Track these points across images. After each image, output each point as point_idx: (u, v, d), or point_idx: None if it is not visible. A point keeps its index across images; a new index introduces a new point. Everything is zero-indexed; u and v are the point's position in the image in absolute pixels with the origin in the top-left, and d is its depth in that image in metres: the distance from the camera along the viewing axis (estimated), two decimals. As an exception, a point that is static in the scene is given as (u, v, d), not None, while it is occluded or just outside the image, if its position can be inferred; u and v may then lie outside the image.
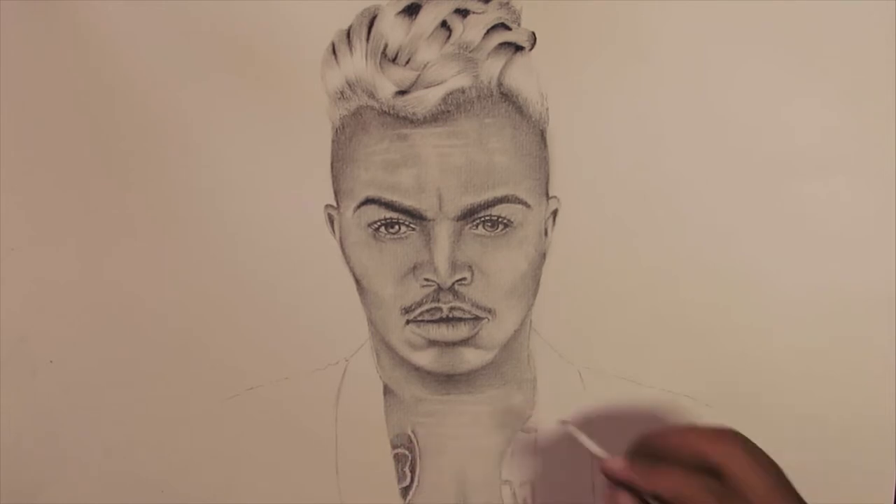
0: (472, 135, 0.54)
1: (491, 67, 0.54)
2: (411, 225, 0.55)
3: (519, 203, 0.55)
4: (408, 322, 0.56)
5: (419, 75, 0.53)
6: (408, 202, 0.54)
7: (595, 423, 0.57)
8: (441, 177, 0.54)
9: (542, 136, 0.55)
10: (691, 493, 0.43)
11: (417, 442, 0.58)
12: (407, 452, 0.58)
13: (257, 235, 0.57)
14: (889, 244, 0.55)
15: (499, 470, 0.58)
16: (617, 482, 0.46)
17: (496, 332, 0.56)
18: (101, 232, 0.57)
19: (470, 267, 0.55)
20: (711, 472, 0.44)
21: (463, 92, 0.54)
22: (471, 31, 0.53)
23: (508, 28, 0.54)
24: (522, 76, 0.54)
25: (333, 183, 0.56)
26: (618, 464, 0.46)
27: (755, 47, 0.54)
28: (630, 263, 0.56)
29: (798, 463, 0.56)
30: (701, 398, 0.57)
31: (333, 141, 0.55)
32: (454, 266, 0.55)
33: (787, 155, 0.55)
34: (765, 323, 0.56)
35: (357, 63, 0.54)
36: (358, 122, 0.55)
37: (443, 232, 0.54)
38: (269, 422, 0.58)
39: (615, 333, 0.57)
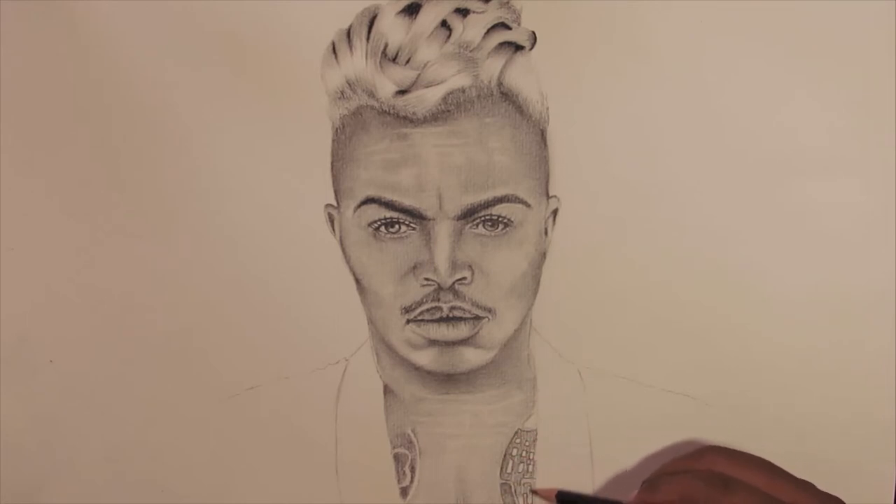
0: (472, 134, 0.54)
1: (491, 67, 0.54)
2: (411, 224, 0.55)
3: (519, 202, 0.55)
4: (408, 321, 0.56)
5: (419, 75, 0.53)
6: (408, 202, 0.54)
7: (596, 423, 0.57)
8: (441, 176, 0.54)
9: (543, 135, 0.55)
10: (694, 489, 0.47)
11: (417, 441, 0.58)
12: (407, 452, 0.58)
13: (257, 235, 0.57)
14: (889, 244, 0.55)
15: (498, 469, 0.58)
16: None
17: (496, 331, 0.56)
18: (101, 232, 0.57)
19: (470, 266, 0.55)
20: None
21: (463, 91, 0.54)
22: (471, 30, 0.53)
23: (508, 27, 0.54)
24: (522, 76, 0.54)
25: (333, 182, 0.56)
26: (630, 498, 0.51)
27: (756, 47, 0.54)
28: (630, 263, 0.56)
29: (798, 462, 0.57)
30: (701, 398, 0.57)
31: (333, 140, 0.55)
32: (454, 265, 0.55)
33: (788, 155, 0.55)
34: (765, 323, 0.56)
35: (357, 62, 0.54)
36: (358, 122, 0.55)
37: (443, 231, 0.54)
38: (269, 422, 0.58)
39: (615, 333, 0.57)
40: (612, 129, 0.55)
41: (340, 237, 0.56)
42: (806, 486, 0.49)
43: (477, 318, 0.56)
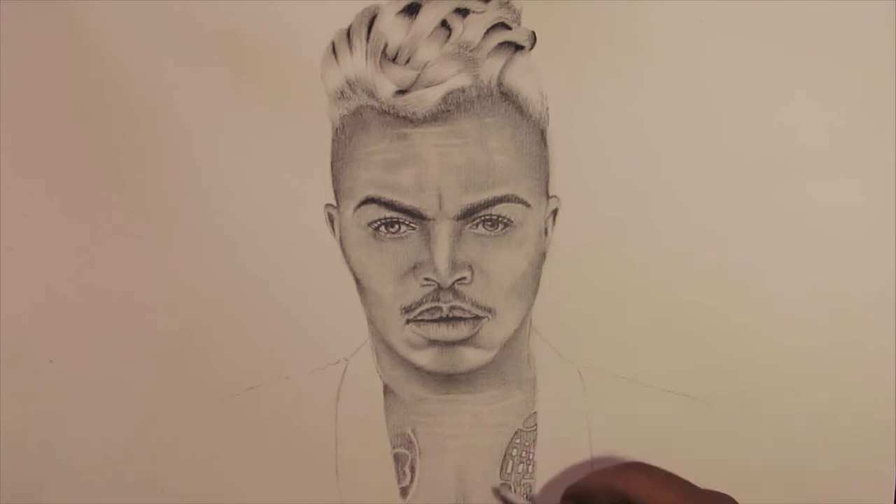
0: (472, 134, 0.54)
1: (491, 67, 0.54)
2: (411, 224, 0.55)
3: (519, 202, 0.55)
4: (408, 321, 0.56)
5: (419, 75, 0.53)
6: (407, 201, 0.54)
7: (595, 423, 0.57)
8: (441, 176, 0.54)
9: (542, 135, 0.55)
10: None
11: (417, 441, 0.58)
12: (407, 452, 0.58)
13: (257, 235, 0.57)
14: (889, 244, 0.55)
15: (498, 469, 0.58)
16: None
17: (496, 331, 0.56)
18: (101, 232, 0.57)
19: (470, 266, 0.55)
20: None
21: (463, 91, 0.54)
22: (471, 30, 0.53)
23: (508, 27, 0.54)
24: (522, 76, 0.54)
25: (333, 182, 0.56)
26: None
27: (756, 47, 0.54)
28: (630, 263, 0.56)
29: (798, 463, 0.57)
30: (701, 398, 0.57)
31: (333, 140, 0.55)
32: (454, 265, 0.55)
33: (788, 155, 0.55)
34: (765, 323, 0.56)
35: (357, 62, 0.54)
36: (358, 122, 0.55)
37: (443, 231, 0.54)
38: (269, 422, 0.58)
39: (615, 333, 0.57)
40: (612, 129, 0.55)
41: (340, 237, 0.56)
42: (722, 500, 0.50)
43: (477, 318, 0.56)
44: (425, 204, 0.54)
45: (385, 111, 0.54)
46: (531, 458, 0.58)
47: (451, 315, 0.55)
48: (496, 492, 0.58)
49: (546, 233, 0.56)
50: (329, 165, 0.56)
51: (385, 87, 0.54)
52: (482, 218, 0.55)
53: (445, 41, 0.53)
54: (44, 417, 0.59)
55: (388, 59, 0.54)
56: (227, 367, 0.58)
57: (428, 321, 0.56)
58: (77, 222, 0.57)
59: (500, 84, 0.54)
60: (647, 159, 0.55)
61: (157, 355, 0.58)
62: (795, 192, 0.55)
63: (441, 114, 0.54)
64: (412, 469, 0.58)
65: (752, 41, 0.54)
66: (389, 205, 0.55)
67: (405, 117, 0.54)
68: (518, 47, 0.54)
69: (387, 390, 0.58)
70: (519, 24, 0.54)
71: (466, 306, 0.55)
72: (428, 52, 0.53)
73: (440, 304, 0.55)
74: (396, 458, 0.58)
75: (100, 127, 0.56)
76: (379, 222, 0.55)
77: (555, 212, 0.56)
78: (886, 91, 0.53)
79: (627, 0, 0.53)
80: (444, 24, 0.53)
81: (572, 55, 0.54)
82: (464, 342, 0.56)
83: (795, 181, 0.55)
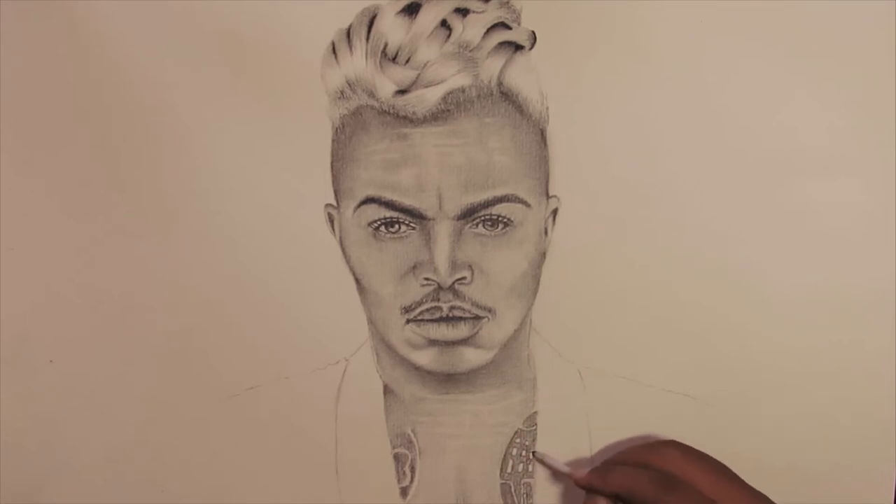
0: (472, 134, 0.54)
1: (491, 66, 0.54)
2: (411, 224, 0.55)
3: (519, 202, 0.55)
4: (408, 321, 0.56)
5: (419, 74, 0.53)
6: (407, 201, 0.54)
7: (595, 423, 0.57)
8: (441, 176, 0.54)
9: (542, 135, 0.55)
10: (640, 485, 0.50)
11: (417, 441, 0.58)
12: (407, 452, 0.58)
13: (257, 235, 0.57)
14: (889, 244, 0.55)
15: (498, 469, 0.58)
16: (586, 490, 0.53)
17: (496, 331, 0.56)
18: (101, 232, 0.57)
19: (470, 266, 0.55)
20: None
21: (463, 91, 0.54)
22: (471, 30, 0.53)
23: (508, 27, 0.54)
24: (522, 75, 0.54)
25: (333, 182, 0.56)
26: (580, 474, 0.53)
27: (756, 47, 0.54)
28: (630, 263, 0.56)
29: (798, 463, 0.57)
30: (701, 398, 0.57)
31: (333, 140, 0.55)
32: (454, 265, 0.55)
33: (788, 155, 0.55)
34: (765, 323, 0.56)
35: (357, 62, 0.54)
36: (358, 122, 0.55)
37: (443, 231, 0.54)
38: (269, 422, 0.58)
39: (615, 333, 0.57)
40: (612, 129, 0.55)
41: (340, 237, 0.56)
42: (755, 495, 0.50)
43: (477, 317, 0.56)
44: (425, 204, 0.54)
45: (385, 111, 0.54)
46: (531, 457, 0.58)
47: (451, 315, 0.55)
48: (538, 459, 0.58)
49: (546, 233, 0.56)
50: (329, 165, 0.56)
51: (385, 86, 0.54)
52: (482, 218, 0.55)
53: (445, 41, 0.53)
54: (44, 417, 0.59)
55: (388, 59, 0.54)
56: (227, 367, 0.58)
57: (428, 321, 0.56)
58: (77, 222, 0.57)
59: (500, 84, 0.54)
60: (647, 159, 0.55)
61: (157, 355, 0.58)
62: (795, 192, 0.55)
63: (441, 114, 0.54)
64: (412, 469, 0.58)
65: (752, 41, 0.54)
66: (389, 205, 0.55)
67: (405, 117, 0.54)
68: (518, 47, 0.54)
69: (387, 390, 0.58)
70: (519, 24, 0.54)
71: (466, 306, 0.55)
72: (428, 51, 0.53)
73: (440, 304, 0.55)
74: (396, 458, 0.58)
75: (100, 127, 0.56)
76: (379, 222, 0.55)
77: (555, 212, 0.56)
78: (886, 91, 0.53)
79: (627, 0, 0.53)
80: (444, 23, 0.53)
81: (572, 55, 0.54)
82: (464, 342, 0.56)
83: (795, 181, 0.55)
